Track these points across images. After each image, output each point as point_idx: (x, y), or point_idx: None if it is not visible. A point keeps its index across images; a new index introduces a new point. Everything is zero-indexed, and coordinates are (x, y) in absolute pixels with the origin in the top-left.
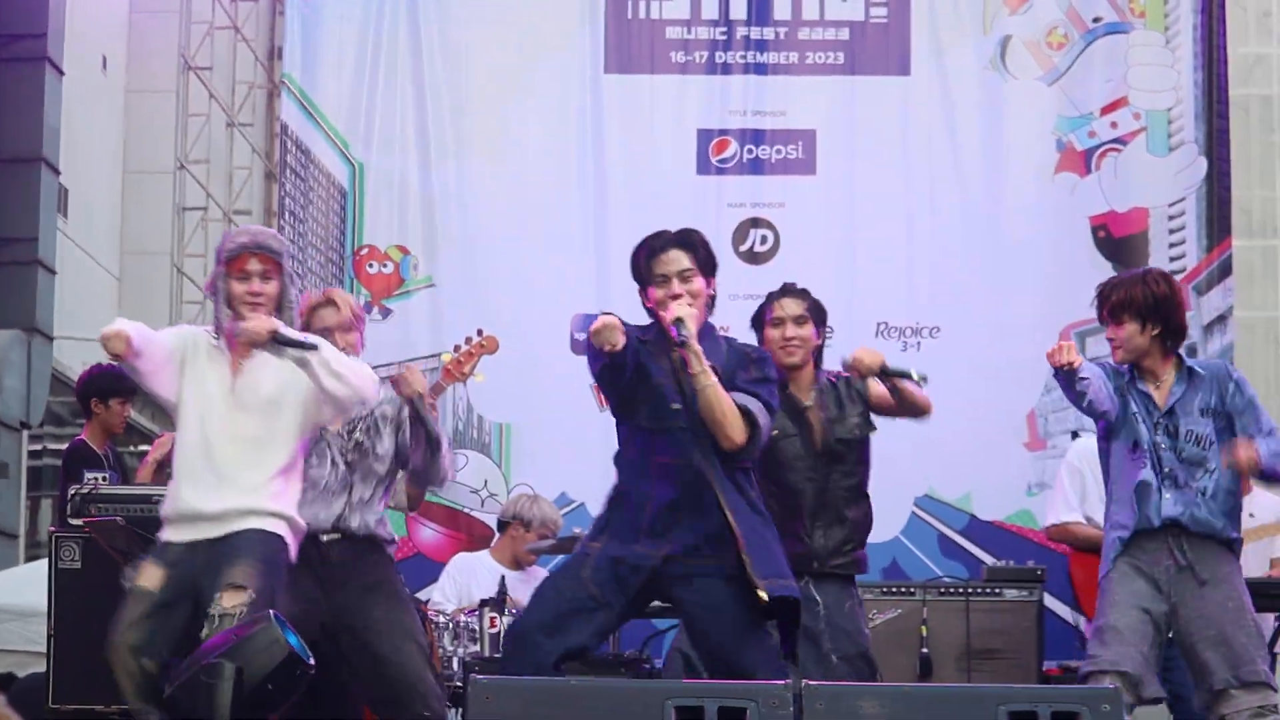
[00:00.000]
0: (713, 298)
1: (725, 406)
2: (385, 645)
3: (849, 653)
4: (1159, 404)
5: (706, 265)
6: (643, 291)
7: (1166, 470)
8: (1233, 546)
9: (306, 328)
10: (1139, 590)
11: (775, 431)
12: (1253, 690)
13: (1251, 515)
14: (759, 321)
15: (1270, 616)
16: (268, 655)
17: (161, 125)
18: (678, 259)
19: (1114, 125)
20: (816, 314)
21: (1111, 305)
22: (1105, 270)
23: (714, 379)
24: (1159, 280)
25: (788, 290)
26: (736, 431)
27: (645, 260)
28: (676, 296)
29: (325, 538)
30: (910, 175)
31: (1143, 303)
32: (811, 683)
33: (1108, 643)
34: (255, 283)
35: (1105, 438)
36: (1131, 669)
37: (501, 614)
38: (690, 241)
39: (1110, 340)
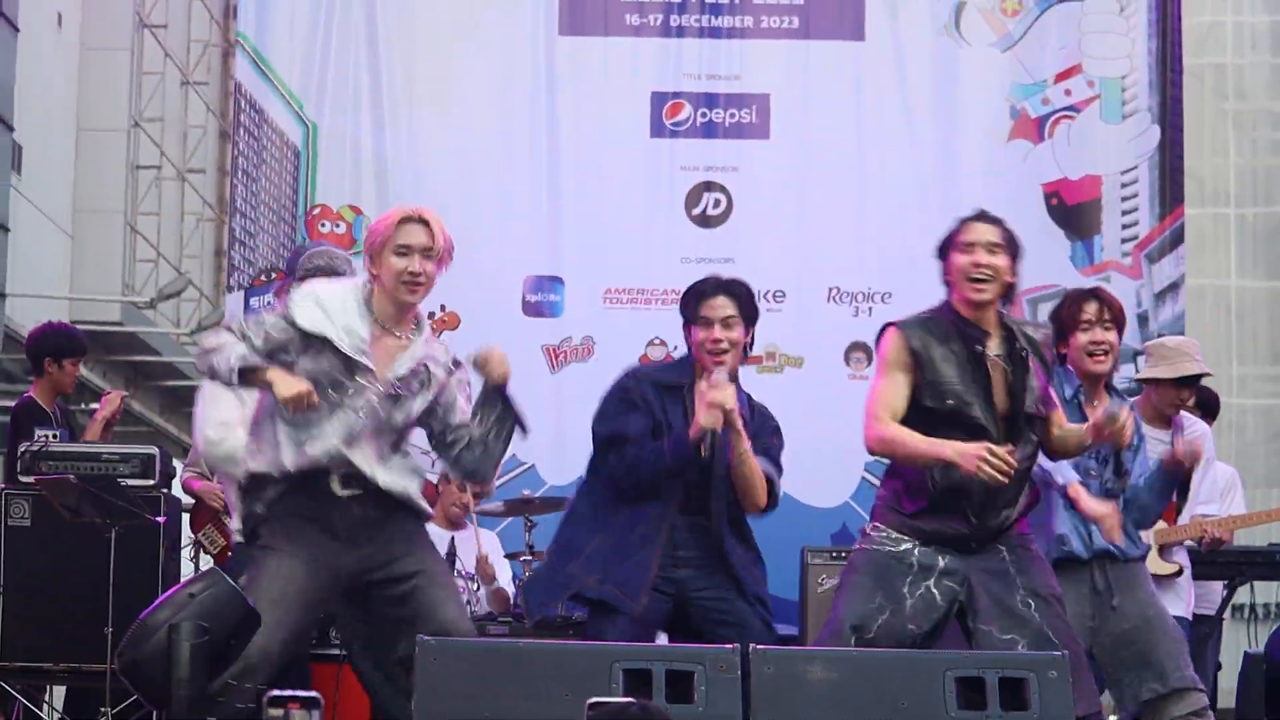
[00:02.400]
0: (749, 344)
1: (758, 477)
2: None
3: None
4: None
5: (749, 314)
6: (686, 328)
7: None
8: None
9: (383, 244)
10: None
11: None
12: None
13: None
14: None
15: (1218, 584)
16: (229, 610)
17: (116, 83)
18: (724, 305)
19: (1068, 92)
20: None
21: (1114, 311)
22: (1058, 237)
23: (749, 449)
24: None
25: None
26: (763, 498)
27: (694, 302)
28: (717, 342)
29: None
30: (863, 141)
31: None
32: (759, 646)
33: None
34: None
35: None
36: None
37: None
38: (736, 291)
39: (1102, 346)
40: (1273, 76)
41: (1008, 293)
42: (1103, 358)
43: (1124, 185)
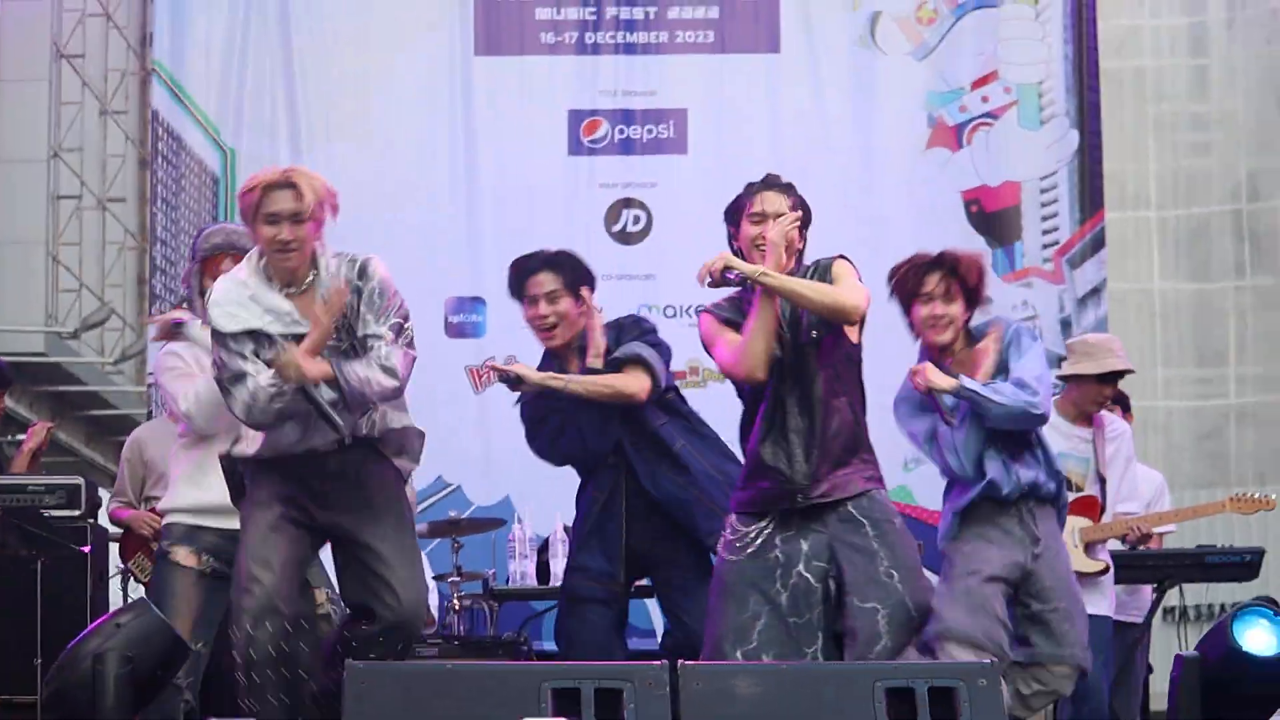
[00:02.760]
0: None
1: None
2: None
3: None
4: None
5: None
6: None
7: None
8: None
9: (254, 213)
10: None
11: None
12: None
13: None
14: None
15: (1147, 588)
16: (157, 639)
17: (34, 114)
18: (546, 281)
19: (985, 99)
20: None
21: (965, 282)
22: (979, 245)
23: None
24: None
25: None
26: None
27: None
28: (543, 318)
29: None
30: (781, 153)
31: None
32: (688, 663)
33: None
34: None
35: None
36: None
37: None
38: (559, 262)
39: (943, 319)
40: (1192, 79)
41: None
42: (943, 329)
43: (1044, 191)
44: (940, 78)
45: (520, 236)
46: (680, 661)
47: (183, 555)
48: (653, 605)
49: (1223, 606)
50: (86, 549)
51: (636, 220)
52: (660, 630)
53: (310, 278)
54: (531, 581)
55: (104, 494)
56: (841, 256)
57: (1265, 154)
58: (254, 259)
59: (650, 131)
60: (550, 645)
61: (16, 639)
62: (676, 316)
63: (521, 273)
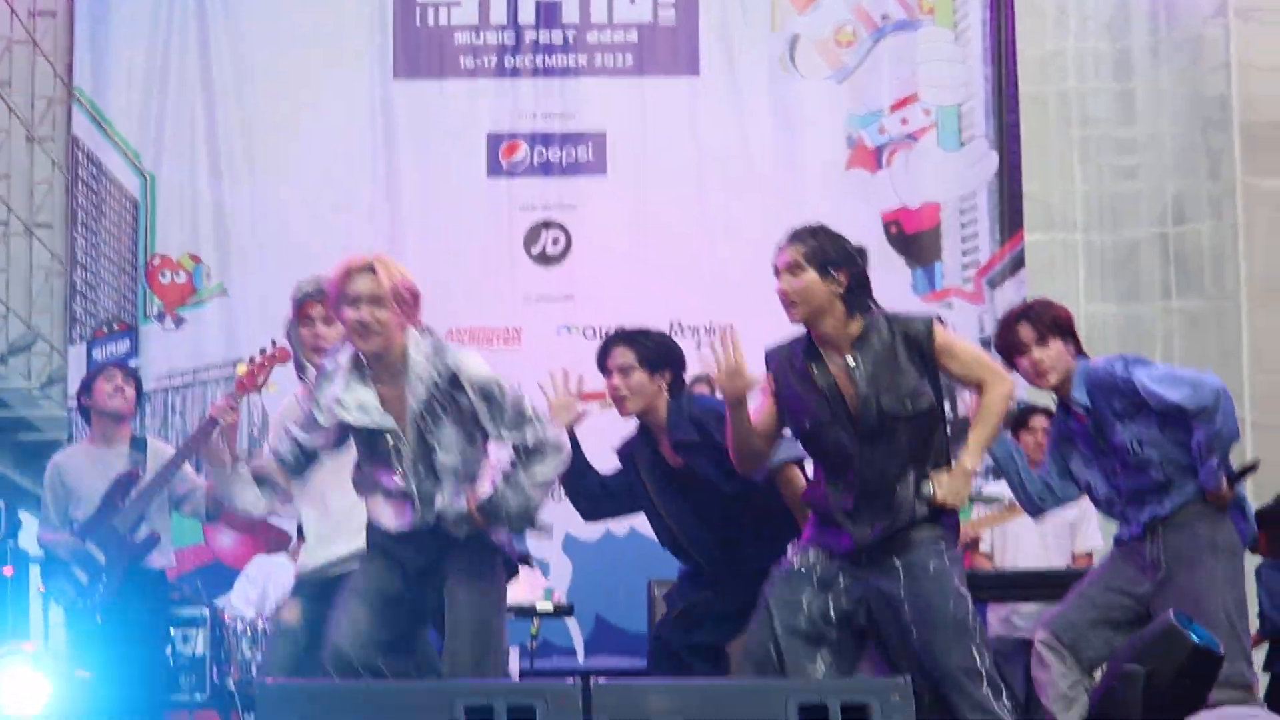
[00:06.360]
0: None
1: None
2: None
3: None
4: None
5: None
6: None
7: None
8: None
9: (337, 298)
10: None
11: None
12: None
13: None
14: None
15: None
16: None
17: None
18: (621, 354)
19: (904, 121)
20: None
21: (1049, 322)
22: (898, 265)
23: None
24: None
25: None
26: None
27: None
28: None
29: None
30: (701, 174)
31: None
32: (600, 680)
33: None
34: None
35: None
36: None
37: None
38: (636, 340)
39: (1039, 362)
40: (1117, 103)
41: (845, 302)
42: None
43: (963, 212)
44: (859, 100)
45: (442, 258)
46: (593, 679)
47: None
48: (572, 624)
49: None
50: (7, 570)
51: (556, 242)
52: (581, 649)
53: (401, 365)
54: None
55: (31, 518)
56: (938, 319)
57: (1191, 177)
58: (348, 353)
59: (569, 154)
60: None
61: None
62: (595, 337)
63: (602, 348)
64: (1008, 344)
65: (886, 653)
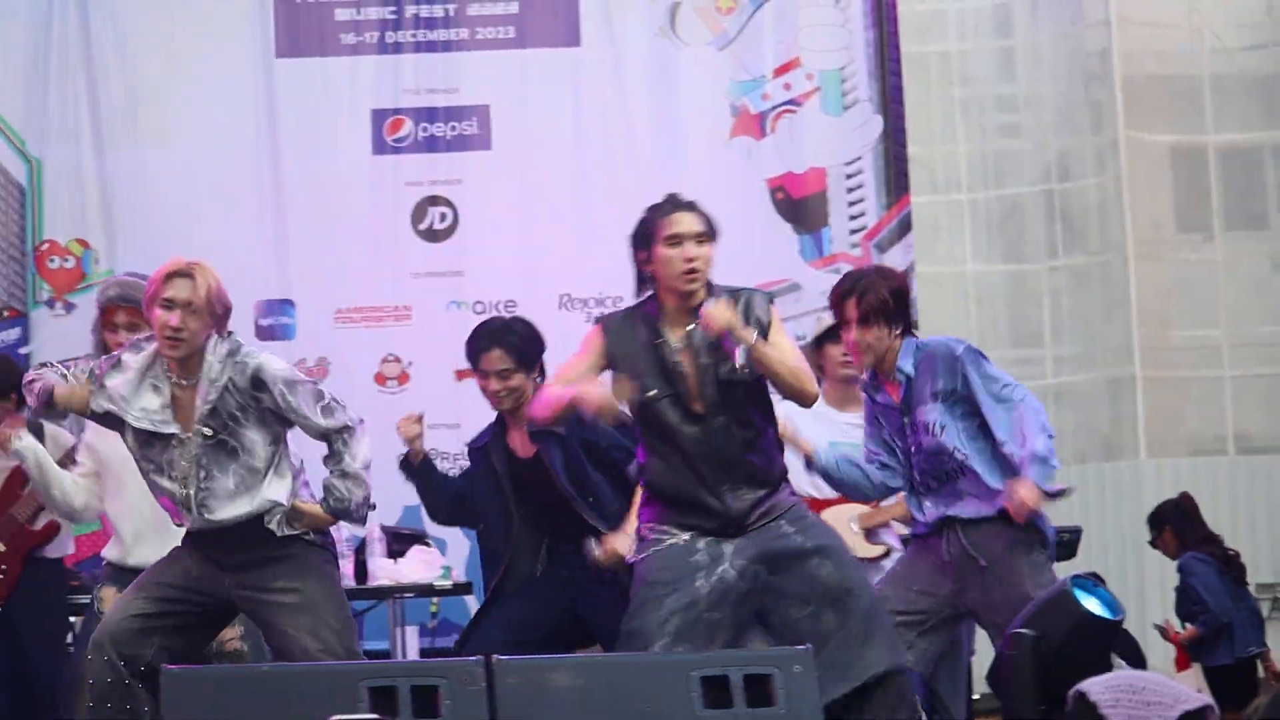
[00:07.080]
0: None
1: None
2: None
3: None
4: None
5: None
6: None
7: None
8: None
9: (151, 299)
10: None
11: None
12: None
13: None
14: None
15: None
16: None
17: None
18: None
19: (787, 87)
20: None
21: (863, 311)
22: (786, 232)
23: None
24: (893, 276)
25: None
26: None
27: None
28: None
29: None
30: (585, 146)
31: (894, 305)
32: (502, 657)
33: None
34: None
35: None
36: None
37: None
38: (508, 341)
39: (856, 342)
40: (997, 60)
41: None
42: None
43: (849, 176)
44: (742, 66)
45: (329, 236)
46: (494, 656)
47: None
48: (471, 601)
49: None
50: None
51: (443, 217)
52: None
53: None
54: (350, 582)
55: None
56: (770, 300)
57: (1074, 134)
58: (150, 353)
59: (454, 129)
60: (372, 644)
61: None
62: (486, 312)
63: (474, 347)
64: (835, 311)
65: (791, 608)
